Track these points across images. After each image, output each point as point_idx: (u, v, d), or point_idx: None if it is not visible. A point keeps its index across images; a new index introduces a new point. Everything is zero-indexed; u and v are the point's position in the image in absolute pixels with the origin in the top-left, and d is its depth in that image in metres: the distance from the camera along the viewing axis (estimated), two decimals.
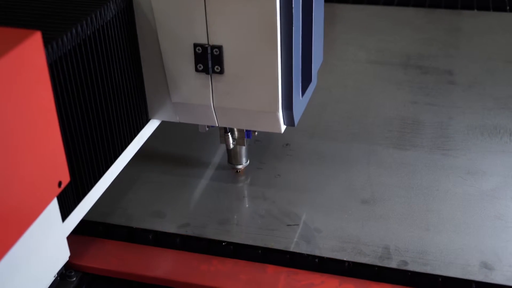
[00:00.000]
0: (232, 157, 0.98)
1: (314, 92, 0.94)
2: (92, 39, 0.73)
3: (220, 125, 0.89)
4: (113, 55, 0.78)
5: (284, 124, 0.86)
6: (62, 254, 0.77)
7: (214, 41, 0.80)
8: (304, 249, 0.85)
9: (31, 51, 0.56)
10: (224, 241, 0.86)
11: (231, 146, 0.95)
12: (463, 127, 1.10)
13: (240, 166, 0.98)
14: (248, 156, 0.99)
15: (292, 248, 0.85)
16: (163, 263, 0.85)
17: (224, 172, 1.00)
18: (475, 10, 1.59)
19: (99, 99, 0.76)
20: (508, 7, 1.60)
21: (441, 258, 0.83)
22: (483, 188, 0.95)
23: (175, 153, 1.05)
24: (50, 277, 0.77)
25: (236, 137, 0.94)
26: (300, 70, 0.84)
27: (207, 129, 0.94)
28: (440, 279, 0.80)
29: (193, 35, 0.81)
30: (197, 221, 0.90)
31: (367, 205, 0.92)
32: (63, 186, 0.63)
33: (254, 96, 0.83)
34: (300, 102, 0.87)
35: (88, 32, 0.72)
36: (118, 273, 0.84)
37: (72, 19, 0.70)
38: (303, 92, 0.88)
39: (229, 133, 0.93)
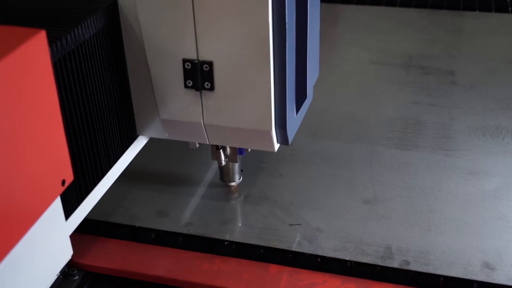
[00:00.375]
0: (224, 174, 0.96)
1: (316, 92, 0.94)
2: (72, 55, 0.71)
3: (211, 143, 0.86)
4: (96, 70, 0.76)
5: (277, 142, 0.83)
6: (65, 253, 0.77)
7: (204, 56, 0.77)
8: (306, 248, 0.85)
9: (36, 50, 0.56)
10: (226, 240, 0.87)
11: (223, 163, 0.92)
12: (465, 127, 1.10)
13: (233, 183, 0.96)
14: (241, 173, 0.96)
15: (294, 247, 0.85)
16: (165, 262, 0.85)
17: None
18: (477, 11, 1.60)
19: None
20: (510, 8, 1.60)
21: (443, 258, 0.83)
22: (485, 188, 0.95)
23: (175, 158, 1.05)
24: (53, 276, 0.77)
25: (228, 154, 0.91)
26: (294, 87, 0.82)
27: (197, 145, 0.91)
28: (442, 279, 0.80)
29: (182, 50, 0.77)
30: (199, 220, 0.90)
31: (369, 205, 0.92)
32: (66, 184, 0.64)
33: (246, 114, 0.80)
34: (294, 120, 0.84)
35: (69, 48, 0.70)
36: (120, 271, 0.84)
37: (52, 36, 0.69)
38: (297, 109, 0.84)
39: (221, 150, 0.90)
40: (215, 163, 1.01)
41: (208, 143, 0.85)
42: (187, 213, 0.92)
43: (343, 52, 1.40)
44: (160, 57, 0.79)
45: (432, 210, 0.91)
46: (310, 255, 0.84)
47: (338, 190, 0.96)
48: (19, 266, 0.68)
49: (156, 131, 0.86)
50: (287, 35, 0.74)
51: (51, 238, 0.73)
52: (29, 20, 0.74)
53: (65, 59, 0.69)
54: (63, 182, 0.63)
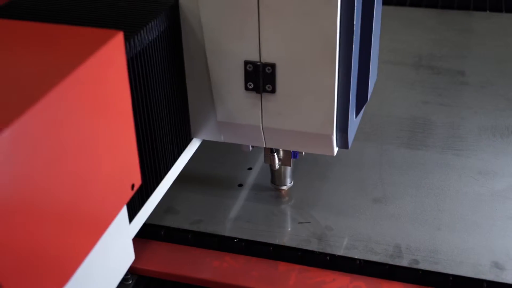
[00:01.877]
0: (276, 177, 0.93)
1: None
2: (136, 58, 0.69)
3: (267, 146, 0.84)
4: (157, 72, 0.74)
5: (336, 146, 0.80)
6: (128, 257, 0.73)
7: (267, 58, 0.75)
8: (315, 246, 0.85)
9: (114, 51, 0.54)
10: (236, 238, 0.87)
11: (277, 166, 0.90)
12: (475, 127, 1.10)
13: (284, 187, 0.94)
14: (293, 176, 0.95)
15: (304, 245, 0.85)
16: (175, 259, 0.85)
17: (237, 171, 1.01)
18: (488, 12, 1.59)
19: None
20: None
21: (452, 257, 0.83)
22: (494, 188, 0.95)
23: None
24: (117, 280, 0.73)
25: (281, 157, 0.89)
26: (355, 90, 0.79)
27: (251, 148, 0.89)
28: (451, 278, 0.80)
29: (244, 52, 0.75)
30: (209, 217, 0.91)
31: (379, 204, 0.93)
32: (135, 188, 0.62)
33: (307, 117, 0.77)
34: (354, 123, 0.82)
35: (135, 50, 0.68)
36: (131, 268, 0.84)
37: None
38: (357, 112, 0.82)
39: (275, 153, 0.88)
40: (225, 159, 1.01)
41: (264, 146, 0.84)
42: (197, 211, 0.92)
43: None
44: (221, 59, 0.77)
45: (441, 210, 0.91)
46: (320, 253, 0.84)
47: (347, 188, 0.96)
48: (86, 274, 0.63)
49: (211, 133, 0.84)
50: (354, 37, 0.72)
51: (116, 242, 0.69)
52: (92, 21, 0.71)
53: (132, 61, 0.67)
54: (133, 186, 0.62)
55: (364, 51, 0.79)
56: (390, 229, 0.88)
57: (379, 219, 0.90)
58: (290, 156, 0.89)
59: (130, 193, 0.62)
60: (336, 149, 0.81)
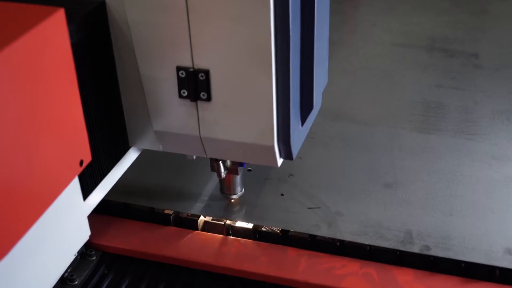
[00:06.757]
0: (224, 186, 0.89)
1: (338, 74, 0.93)
2: None
3: (209, 156, 0.80)
4: (83, 77, 0.70)
5: (280, 157, 0.77)
6: (83, 233, 0.77)
7: (200, 64, 0.71)
8: (325, 232, 0.84)
9: (55, 27, 0.55)
10: (245, 223, 0.86)
11: (223, 175, 0.85)
12: (488, 111, 1.09)
13: (234, 196, 0.89)
14: (243, 185, 0.90)
15: (314, 231, 0.84)
16: (183, 244, 0.85)
17: None
18: None
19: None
20: None
21: (464, 243, 0.82)
22: (508, 173, 0.94)
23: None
24: (71, 256, 0.77)
25: (228, 166, 0.85)
26: (298, 97, 0.75)
27: (194, 157, 0.84)
28: (463, 265, 0.79)
29: (176, 57, 0.71)
30: (218, 202, 0.90)
31: (390, 189, 0.91)
32: (84, 165, 0.63)
33: (245, 126, 0.73)
34: (299, 132, 0.77)
35: None
36: (138, 253, 0.84)
37: None
38: (303, 121, 0.77)
39: (220, 162, 0.83)
40: None
41: (205, 156, 0.80)
42: (207, 195, 0.91)
43: (365, 34, 1.38)
44: (152, 65, 0.73)
45: (453, 195, 0.90)
46: (329, 239, 0.83)
47: (358, 173, 0.95)
48: (37, 246, 0.68)
49: (149, 142, 0.81)
50: (291, 42, 0.68)
51: (69, 218, 0.72)
52: None
53: None
54: (81, 162, 0.63)
55: (307, 56, 0.74)
56: (401, 215, 0.87)
57: (390, 204, 0.88)
58: (237, 164, 0.84)
59: (78, 169, 0.62)
60: (280, 160, 0.77)
